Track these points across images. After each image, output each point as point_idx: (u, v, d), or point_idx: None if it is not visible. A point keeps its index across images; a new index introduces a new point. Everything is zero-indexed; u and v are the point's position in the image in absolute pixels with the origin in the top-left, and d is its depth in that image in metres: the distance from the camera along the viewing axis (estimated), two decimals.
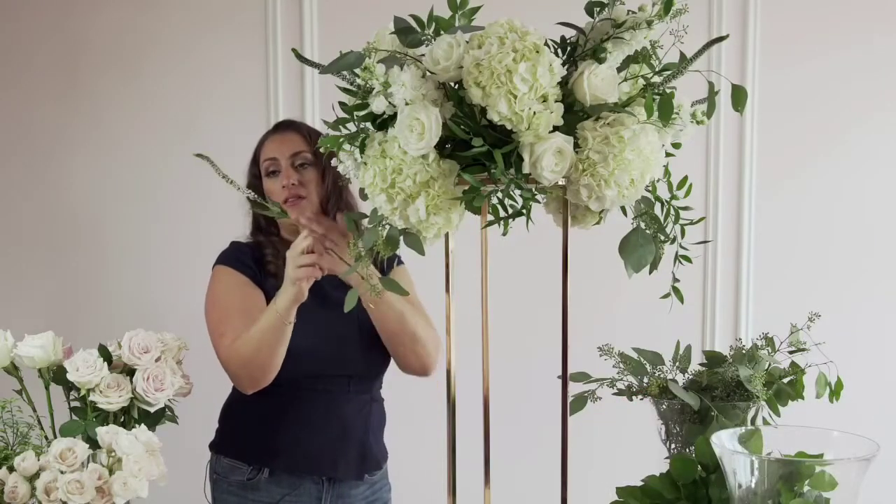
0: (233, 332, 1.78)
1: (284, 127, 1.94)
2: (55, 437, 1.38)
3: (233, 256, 1.89)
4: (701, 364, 1.45)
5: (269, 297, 1.81)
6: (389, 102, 1.08)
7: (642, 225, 1.18)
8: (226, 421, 1.97)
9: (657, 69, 1.13)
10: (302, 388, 1.86)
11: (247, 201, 1.88)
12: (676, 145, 1.18)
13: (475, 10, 1.15)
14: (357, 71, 1.08)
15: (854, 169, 2.62)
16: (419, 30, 1.12)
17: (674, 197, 1.22)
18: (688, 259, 1.24)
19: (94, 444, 1.32)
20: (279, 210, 1.46)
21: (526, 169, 1.06)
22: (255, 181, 1.90)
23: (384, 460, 1.99)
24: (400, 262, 1.97)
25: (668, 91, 1.12)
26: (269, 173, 1.87)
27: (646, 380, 1.39)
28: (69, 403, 1.45)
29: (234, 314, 1.81)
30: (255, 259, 1.88)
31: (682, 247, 1.23)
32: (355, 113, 1.13)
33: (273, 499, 1.88)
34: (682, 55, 1.11)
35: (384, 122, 1.11)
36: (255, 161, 1.92)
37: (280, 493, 1.88)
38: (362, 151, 1.13)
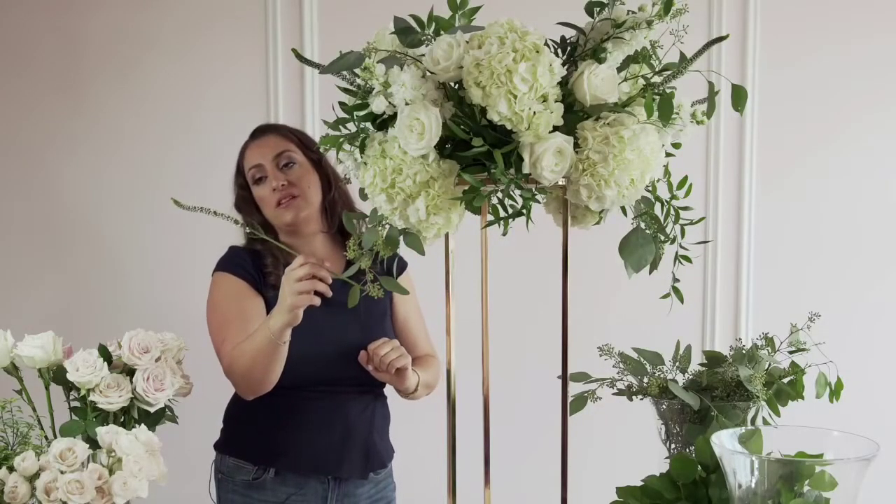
0: (232, 340, 1.79)
1: (262, 132, 1.93)
2: (55, 437, 1.38)
3: (232, 262, 1.88)
4: (701, 364, 1.45)
5: (269, 306, 1.81)
6: (389, 102, 1.08)
7: (642, 225, 1.18)
8: (230, 421, 1.96)
9: (657, 69, 1.13)
10: (306, 389, 1.85)
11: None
12: (676, 145, 1.18)
13: (475, 10, 1.15)
14: (357, 71, 1.08)
15: (854, 168, 2.61)
16: (419, 30, 1.12)
17: (674, 197, 1.22)
18: (688, 259, 1.24)
19: (94, 444, 1.31)
20: (269, 236, 1.57)
21: (526, 169, 1.06)
22: (242, 192, 1.90)
23: (389, 459, 1.99)
24: (404, 269, 1.97)
25: (668, 91, 1.12)
26: (256, 181, 1.87)
27: (646, 380, 1.39)
28: (69, 403, 1.45)
29: (234, 321, 1.81)
30: (256, 266, 1.86)
31: (682, 247, 1.23)
32: (355, 113, 1.13)
33: (279, 498, 1.88)
34: (682, 55, 1.11)
35: (384, 122, 1.11)
36: (240, 171, 1.91)
37: (286, 493, 1.88)
38: (362, 151, 1.13)
